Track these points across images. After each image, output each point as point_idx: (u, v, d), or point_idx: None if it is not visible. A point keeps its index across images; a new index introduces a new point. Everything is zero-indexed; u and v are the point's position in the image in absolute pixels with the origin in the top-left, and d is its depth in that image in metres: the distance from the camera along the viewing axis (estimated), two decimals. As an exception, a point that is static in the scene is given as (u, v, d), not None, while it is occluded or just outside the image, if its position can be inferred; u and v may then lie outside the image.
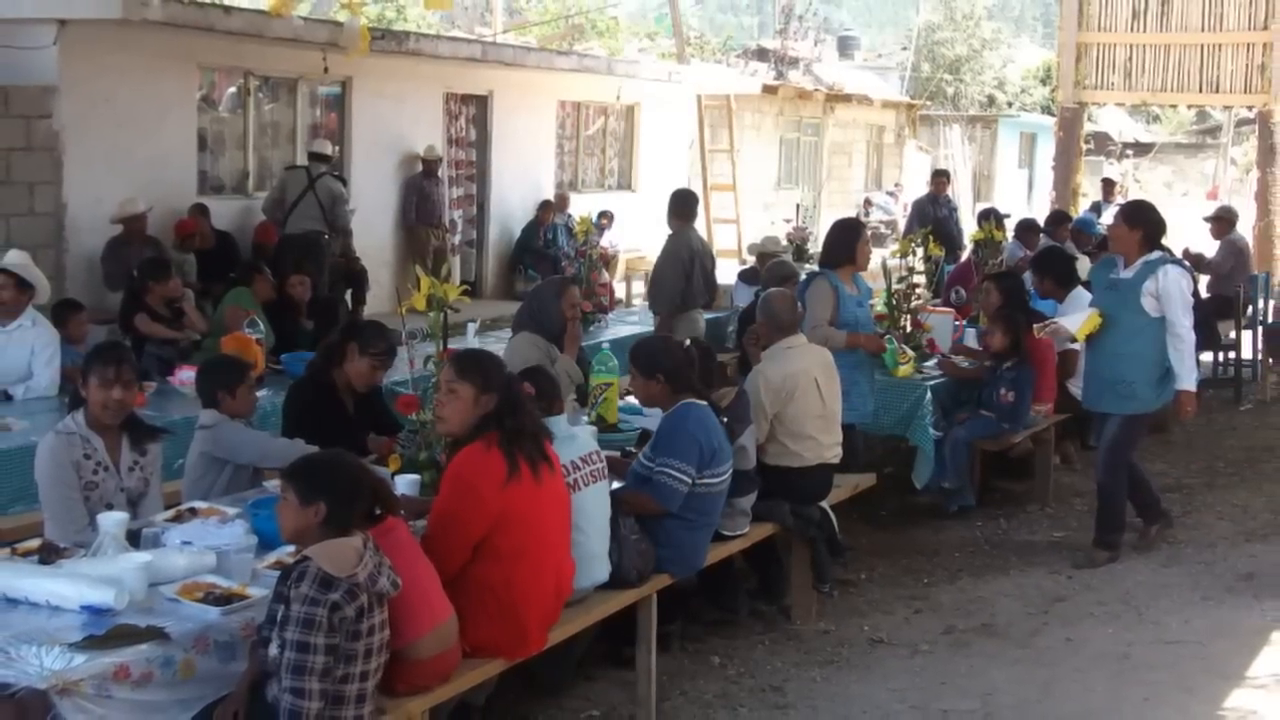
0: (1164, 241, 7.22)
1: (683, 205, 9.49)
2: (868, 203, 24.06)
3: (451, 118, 15.01)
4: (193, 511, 4.84)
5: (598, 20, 33.32)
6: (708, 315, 9.71)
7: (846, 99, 24.62)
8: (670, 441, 5.30)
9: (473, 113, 15.41)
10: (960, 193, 25.77)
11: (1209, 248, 12.63)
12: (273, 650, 3.70)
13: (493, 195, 15.73)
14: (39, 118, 10.31)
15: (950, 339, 8.77)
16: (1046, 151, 25.03)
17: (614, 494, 5.14)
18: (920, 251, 9.39)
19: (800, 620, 6.29)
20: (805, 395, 6.15)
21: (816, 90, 24.06)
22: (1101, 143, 34.77)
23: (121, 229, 10.46)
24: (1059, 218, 12.85)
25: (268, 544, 4.45)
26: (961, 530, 7.84)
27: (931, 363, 8.36)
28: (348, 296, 12.18)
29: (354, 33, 11.67)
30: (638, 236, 16.30)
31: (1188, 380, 7.01)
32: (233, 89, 12.72)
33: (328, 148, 12.78)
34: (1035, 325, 7.73)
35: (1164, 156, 38.13)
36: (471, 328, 8.44)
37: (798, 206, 20.42)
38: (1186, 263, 8.74)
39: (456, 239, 15.11)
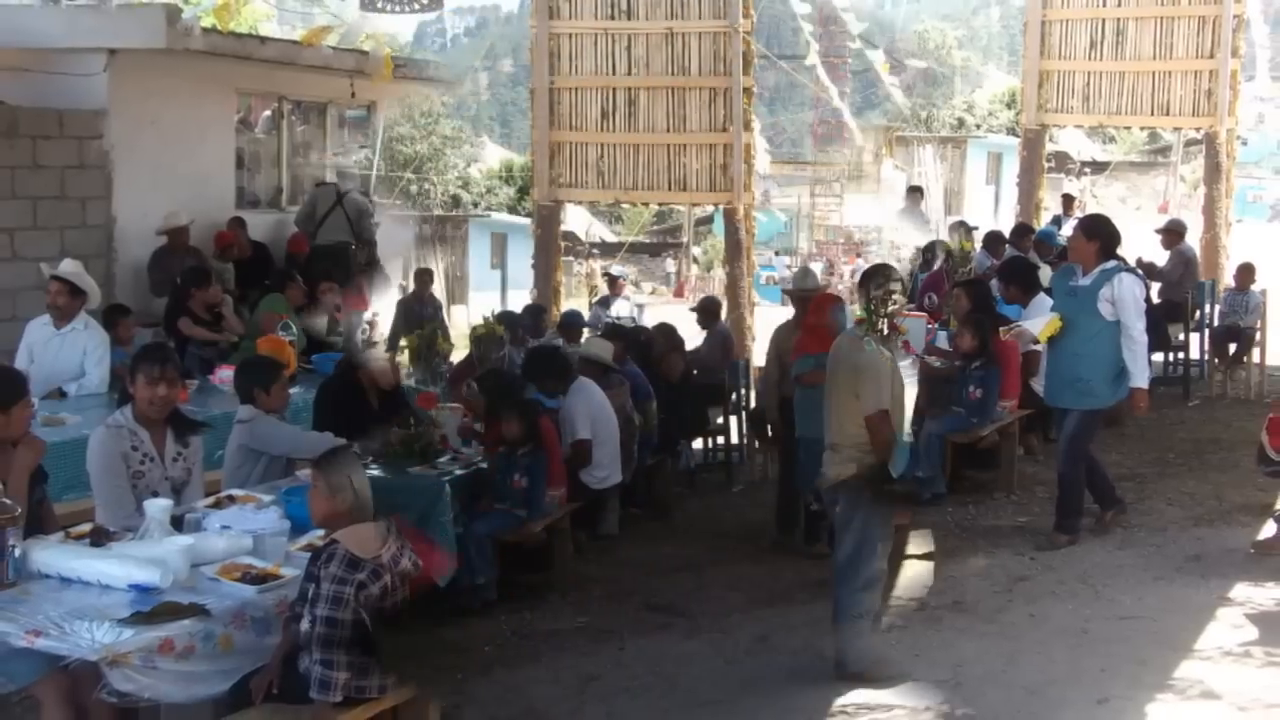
0: (1119, 252, 7.21)
1: None
2: (849, 216, 24.04)
3: (467, 138, 15.00)
4: (231, 499, 4.85)
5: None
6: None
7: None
8: None
9: (487, 134, 15.39)
10: (933, 207, 25.73)
11: (1160, 257, 12.61)
12: (304, 625, 3.70)
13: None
14: (90, 138, 10.30)
15: (924, 341, 8.76)
16: (1012, 169, 24.92)
17: None
18: (896, 261, 9.39)
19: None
20: None
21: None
22: (1062, 161, 34.65)
23: (166, 240, 10.45)
24: (1023, 230, 12.83)
25: (300, 528, 4.46)
26: (934, 516, 7.82)
27: (906, 363, 8.34)
28: (373, 302, 12.18)
29: (378, 61, 11.68)
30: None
31: (1141, 379, 7.00)
32: (268, 112, 12.71)
33: (355, 166, 12.78)
34: (1001, 328, 7.72)
35: (1119, 174, 38.05)
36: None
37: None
38: (1139, 271, 8.72)
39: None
